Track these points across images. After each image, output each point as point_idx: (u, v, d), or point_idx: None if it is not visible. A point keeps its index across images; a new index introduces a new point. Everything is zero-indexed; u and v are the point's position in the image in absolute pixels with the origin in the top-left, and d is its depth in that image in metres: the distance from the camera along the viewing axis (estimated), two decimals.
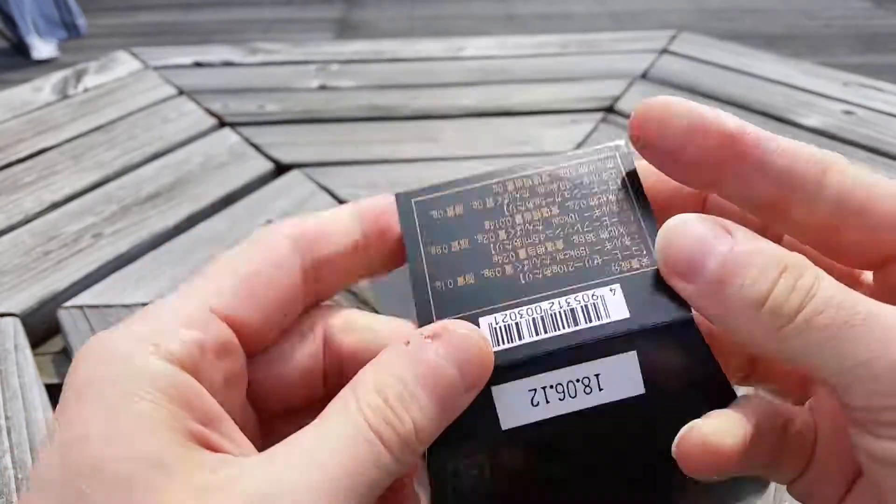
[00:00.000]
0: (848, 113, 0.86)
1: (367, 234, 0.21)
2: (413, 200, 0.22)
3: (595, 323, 0.19)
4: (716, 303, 0.17)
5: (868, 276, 0.20)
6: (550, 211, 0.21)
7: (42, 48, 2.91)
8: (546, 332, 0.19)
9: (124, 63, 1.04)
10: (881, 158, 0.76)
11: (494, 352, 0.18)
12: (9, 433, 0.44)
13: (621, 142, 0.22)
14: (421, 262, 0.20)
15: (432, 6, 3.71)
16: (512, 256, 0.20)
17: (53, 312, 0.54)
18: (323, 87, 0.97)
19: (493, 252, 0.20)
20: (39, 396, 0.46)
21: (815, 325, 0.16)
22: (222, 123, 0.87)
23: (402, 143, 0.82)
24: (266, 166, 0.76)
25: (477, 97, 0.93)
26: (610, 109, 0.89)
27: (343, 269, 0.20)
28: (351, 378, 0.18)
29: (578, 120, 0.86)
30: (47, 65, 2.76)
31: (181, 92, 0.95)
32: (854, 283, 0.19)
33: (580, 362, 0.18)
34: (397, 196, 0.22)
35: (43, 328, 0.54)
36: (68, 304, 0.55)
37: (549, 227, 0.21)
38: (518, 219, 0.21)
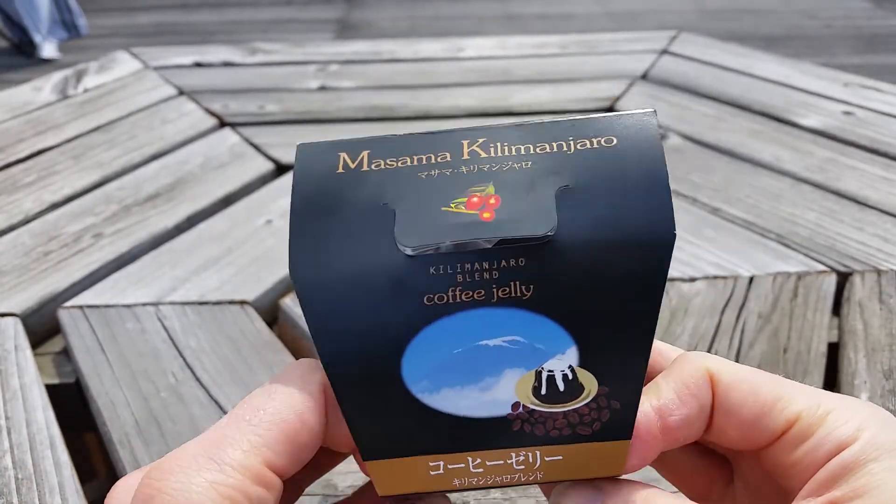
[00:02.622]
0: (848, 113, 0.86)
1: None
2: None
3: None
4: None
5: None
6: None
7: (46, 48, 2.92)
8: None
9: (124, 63, 1.04)
10: (881, 159, 0.76)
11: None
12: (9, 433, 0.44)
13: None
14: None
15: (432, 6, 3.71)
16: None
17: (54, 312, 0.54)
18: (323, 88, 0.97)
19: None
20: (40, 397, 0.46)
21: None
22: (222, 123, 0.87)
23: None
24: (266, 166, 0.76)
25: (477, 97, 0.93)
26: (610, 110, 0.89)
27: None
28: None
29: None
30: (47, 65, 2.76)
31: (181, 92, 0.95)
32: None
33: None
34: None
35: (43, 328, 0.54)
36: (69, 304, 0.55)
37: None
38: None
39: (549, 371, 0.19)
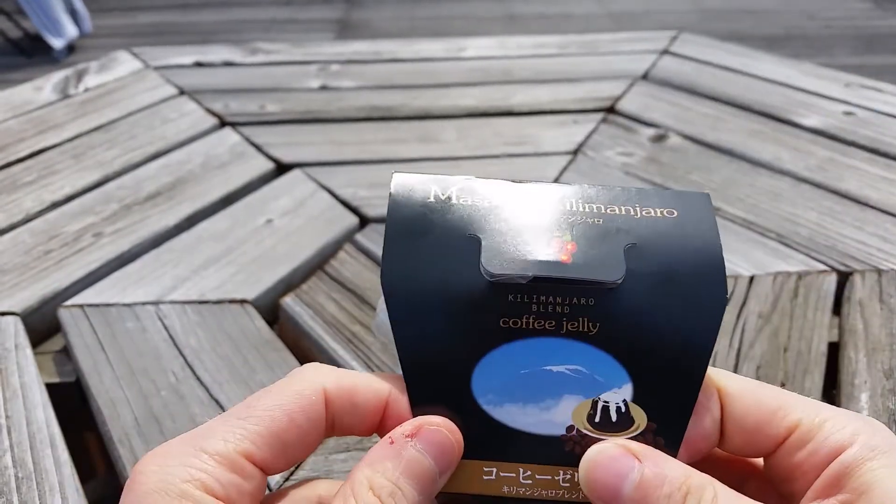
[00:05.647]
0: (848, 114, 0.86)
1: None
2: None
3: None
4: None
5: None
6: None
7: (59, 49, 2.94)
8: None
9: (125, 63, 1.04)
10: (881, 159, 0.76)
11: None
12: (9, 432, 0.44)
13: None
14: None
15: (432, 6, 3.72)
16: None
17: (54, 311, 0.54)
18: (323, 88, 0.97)
19: None
20: (40, 395, 0.46)
21: None
22: (223, 123, 0.87)
23: (403, 142, 0.82)
24: (267, 166, 0.77)
25: (477, 97, 0.93)
26: (610, 110, 0.89)
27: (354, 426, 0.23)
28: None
29: (579, 120, 0.86)
30: (48, 64, 2.77)
31: (182, 92, 0.95)
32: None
33: None
34: None
35: (44, 327, 0.54)
36: (69, 302, 0.55)
37: None
38: None
39: (605, 401, 0.22)
